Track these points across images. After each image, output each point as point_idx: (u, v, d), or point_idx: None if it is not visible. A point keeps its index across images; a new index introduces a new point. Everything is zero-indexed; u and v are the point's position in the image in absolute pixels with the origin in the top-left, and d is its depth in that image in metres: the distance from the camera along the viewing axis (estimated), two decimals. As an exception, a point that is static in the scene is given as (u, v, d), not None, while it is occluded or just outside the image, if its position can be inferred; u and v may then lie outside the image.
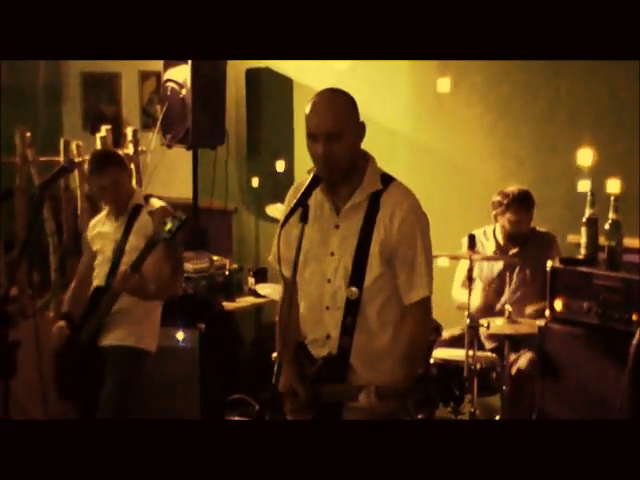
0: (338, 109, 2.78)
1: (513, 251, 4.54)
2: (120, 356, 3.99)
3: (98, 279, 4.13)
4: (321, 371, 2.90)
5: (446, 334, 4.47)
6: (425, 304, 2.89)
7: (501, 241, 4.61)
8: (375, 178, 2.87)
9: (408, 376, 2.78)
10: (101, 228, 4.25)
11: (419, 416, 4.12)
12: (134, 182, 5.64)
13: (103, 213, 4.30)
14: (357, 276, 2.83)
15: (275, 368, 2.66)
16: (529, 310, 4.39)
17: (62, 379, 4.10)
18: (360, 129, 2.83)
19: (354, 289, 2.83)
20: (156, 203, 4.25)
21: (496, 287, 4.53)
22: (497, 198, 4.54)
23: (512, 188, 4.51)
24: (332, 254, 2.87)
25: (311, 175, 2.78)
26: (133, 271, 3.86)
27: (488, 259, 4.49)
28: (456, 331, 4.50)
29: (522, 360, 4.30)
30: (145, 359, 4.09)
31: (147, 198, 4.28)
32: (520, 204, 4.48)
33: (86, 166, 5.33)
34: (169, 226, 3.77)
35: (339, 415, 2.86)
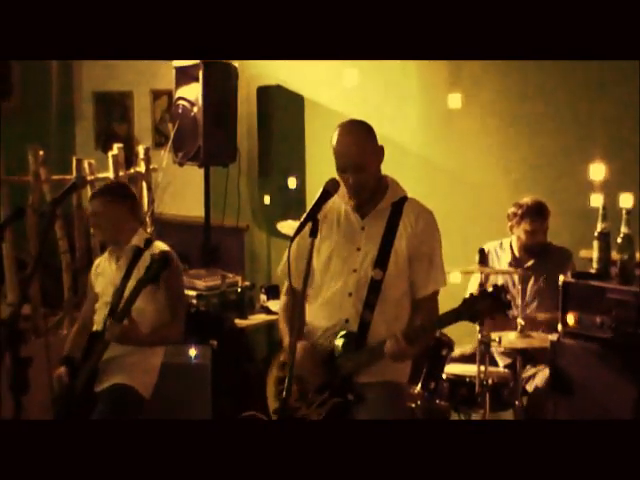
0: (361, 143, 3.16)
1: (529, 263, 4.55)
2: (111, 393, 3.83)
3: (97, 323, 4.03)
4: (337, 345, 3.17)
5: (457, 352, 4.46)
6: (435, 297, 3.29)
7: (517, 253, 4.62)
8: (398, 188, 3.30)
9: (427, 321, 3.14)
10: (103, 269, 4.15)
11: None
12: (146, 200, 5.68)
13: (106, 253, 4.18)
14: (382, 262, 3.20)
15: (285, 383, 2.71)
16: (541, 317, 4.38)
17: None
18: (380, 153, 3.22)
19: (379, 270, 3.19)
20: (158, 246, 4.07)
21: (512, 298, 4.53)
22: (512, 209, 4.58)
23: (527, 199, 4.55)
24: (359, 249, 3.24)
25: (320, 190, 2.99)
26: (118, 321, 3.70)
27: (498, 272, 4.48)
28: (468, 349, 4.48)
29: (540, 377, 4.30)
30: (136, 401, 3.89)
31: (150, 241, 4.10)
32: (535, 214, 4.50)
33: (98, 185, 5.39)
34: (151, 271, 3.66)
35: (348, 395, 3.14)
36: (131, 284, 3.89)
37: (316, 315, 3.31)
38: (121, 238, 4.04)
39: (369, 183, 3.19)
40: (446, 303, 3.23)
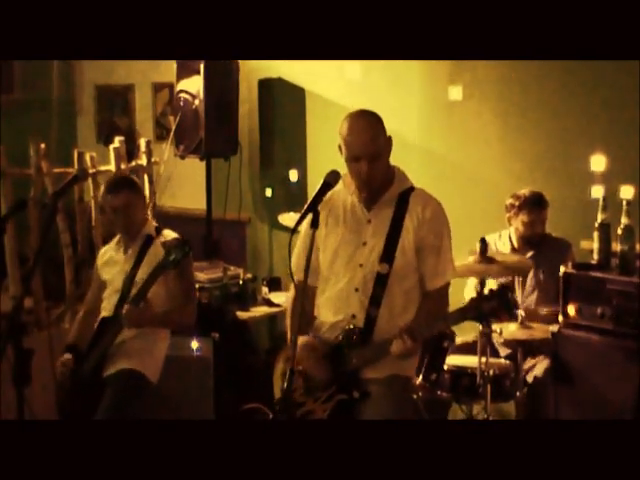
0: (375, 132, 3.13)
1: (528, 254, 4.55)
2: (120, 379, 3.89)
3: (106, 310, 4.08)
4: (343, 341, 3.18)
5: (459, 340, 4.46)
6: (445, 290, 3.26)
7: (516, 244, 4.62)
8: (405, 179, 3.27)
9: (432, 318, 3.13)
10: (111, 257, 4.19)
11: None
12: (148, 193, 5.69)
13: (114, 242, 4.23)
14: (388, 256, 3.16)
15: (287, 375, 2.71)
16: (543, 311, 4.36)
17: (64, 410, 4.01)
18: (389, 143, 3.19)
19: (385, 264, 3.15)
20: (169, 235, 4.14)
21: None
22: (510, 201, 4.58)
23: (524, 190, 4.56)
24: (365, 243, 3.20)
25: (321, 182, 2.99)
26: (135, 304, 3.78)
27: (500, 264, 4.47)
28: (469, 338, 4.49)
29: (539, 368, 4.30)
30: (144, 386, 3.96)
31: (159, 229, 4.18)
32: (533, 205, 4.51)
33: (100, 178, 5.41)
34: (173, 256, 3.73)
35: (353, 393, 3.12)
36: (142, 271, 3.95)
37: (323, 309, 3.30)
38: (135, 228, 4.10)
39: (381, 173, 3.15)
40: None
